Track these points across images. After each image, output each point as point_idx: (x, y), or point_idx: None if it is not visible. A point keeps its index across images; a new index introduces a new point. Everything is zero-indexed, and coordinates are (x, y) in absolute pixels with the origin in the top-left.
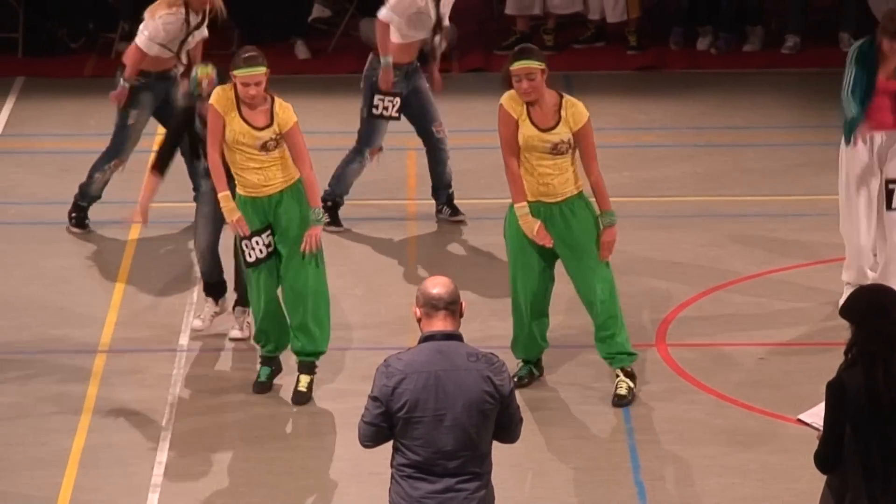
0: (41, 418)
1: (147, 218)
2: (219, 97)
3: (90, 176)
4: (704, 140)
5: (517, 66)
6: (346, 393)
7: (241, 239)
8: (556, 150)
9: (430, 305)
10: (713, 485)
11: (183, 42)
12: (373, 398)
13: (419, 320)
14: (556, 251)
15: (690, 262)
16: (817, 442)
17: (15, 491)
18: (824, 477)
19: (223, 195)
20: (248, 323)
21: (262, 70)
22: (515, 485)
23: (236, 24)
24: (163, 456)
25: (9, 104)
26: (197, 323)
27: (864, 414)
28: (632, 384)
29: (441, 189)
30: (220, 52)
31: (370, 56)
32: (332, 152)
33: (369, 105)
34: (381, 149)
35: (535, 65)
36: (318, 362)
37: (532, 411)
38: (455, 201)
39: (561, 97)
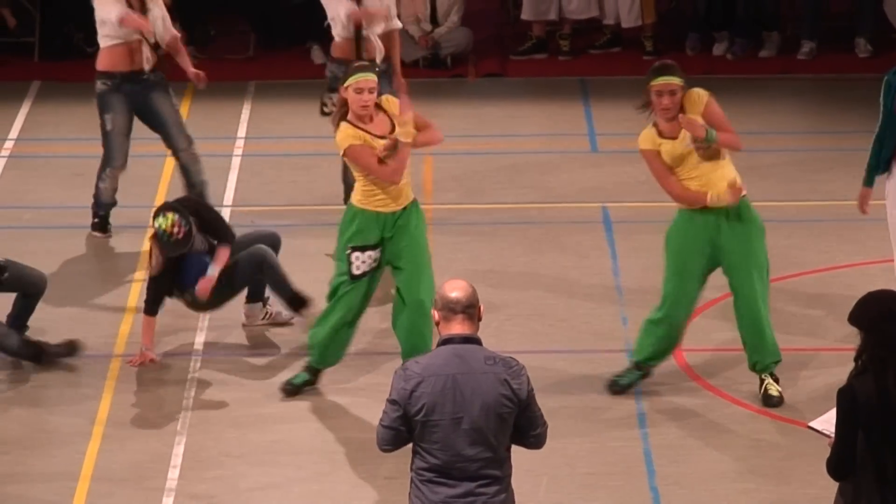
0: (56, 424)
1: (155, 357)
2: (350, 132)
3: (95, 186)
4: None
5: (658, 82)
6: (362, 399)
7: (353, 250)
8: (697, 143)
9: (448, 309)
10: (728, 490)
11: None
12: (391, 401)
13: (437, 323)
14: (717, 255)
15: None
16: (829, 449)
17: (31, 496)
18: (837, 483)
19: None
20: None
21: (374, 77)
22: (531, 490)
23: (252, 28)
24: (177, 461)
25: (25, 108)
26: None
27: (875, 420)
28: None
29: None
30: (236, 57)
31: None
32: None
33: (320, 104)
34: None
35: (676, 81)
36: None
37: (547, 417)
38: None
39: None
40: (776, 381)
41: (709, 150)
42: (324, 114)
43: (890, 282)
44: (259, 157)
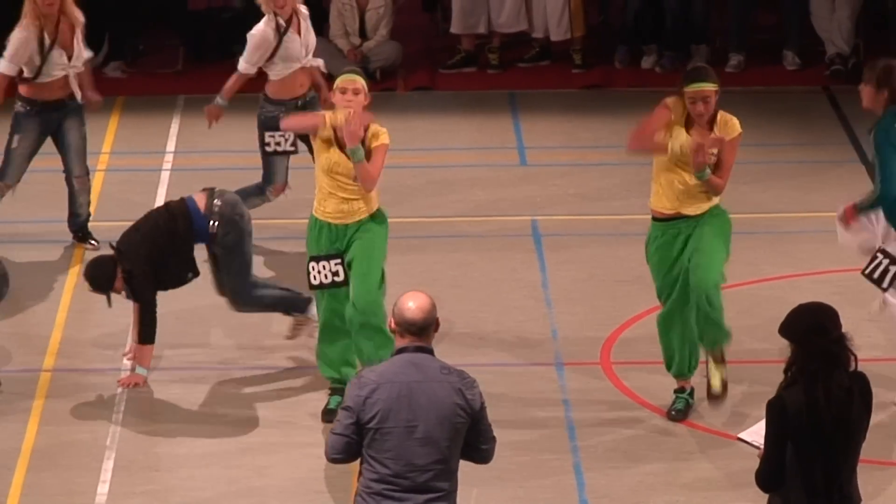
0: None
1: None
2: (332, 116)
3: None
4: (649, 158)
5: (693, 88)
6: (288, 411)
7: (310, 260)
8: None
9: (405, 328)
10: (658, 502)
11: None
12: (345, 408)
13: (393, 331)
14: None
15: (635, 280)
16: (758, 461)
17: None
18: (766, 495)
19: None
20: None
21: (361, 79)
22: (461, 502)
23: (182, 41)
24: (107, 476)
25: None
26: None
27: (805, 432)
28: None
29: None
30: (165, 71)
31: (261, 96)
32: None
33: (262, 143)
34: (285, 186)
35: (710, 86)
36: None
37: None
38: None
39: (716, 112)
40: (724, 362)
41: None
42: (266, 154)
43: (819, 293)
44: (188, 172)
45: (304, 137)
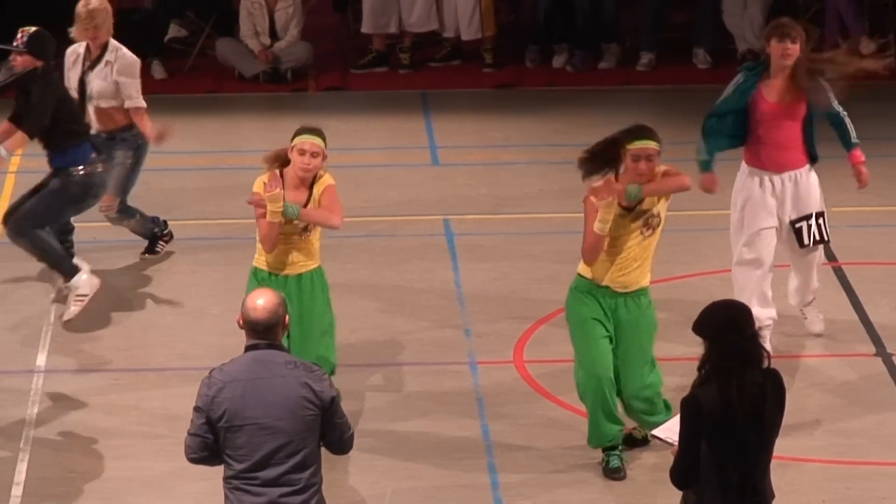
0: None
1: None
2: (260, 185)
3: None
4: (561, 157)
5: (638, 145)
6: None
7: None
8: (647, 225)
9: (251, 327)
10: (572, 500)
11: None
12: (196, 409)
13: (241, 326)
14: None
15: (547, 279)
16: (672, 458)
17: None
18: (680, 493)
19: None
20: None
21: (321, 141)
22: (374, 502)
23: None
24: (21, 478)
25: None
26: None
27: (719, 430)
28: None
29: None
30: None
31: None
32: (192, 172)
33: None
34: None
35: (655, 145)
36: None
37: (390, 428)
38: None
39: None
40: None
41: (648, 226)
42: None
43: (730, 291)
44: None
45: None
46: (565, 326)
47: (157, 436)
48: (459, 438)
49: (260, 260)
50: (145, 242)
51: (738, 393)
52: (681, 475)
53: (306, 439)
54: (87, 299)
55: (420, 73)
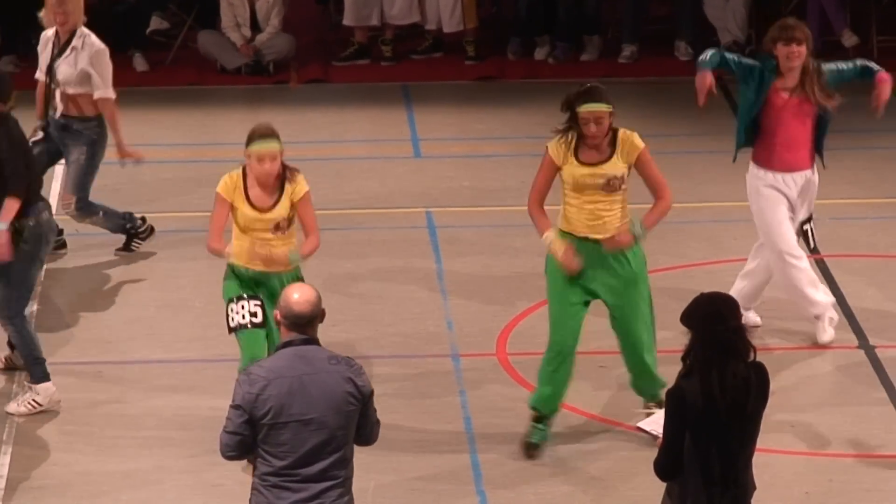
0: None
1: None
2: (226, 186)
3: None
4: (543, 149)
5: (586, 108)
6: (192, 404)
7: (228, 302)
8: (609, 187)
9: (293, 322)
10: (554, 493)
11: None
12: (235, 407)
13: (279, 324)
14: (599, 293)
15: (529, 272)
16: (657, 449)
17: None
18: (664, 484)
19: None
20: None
21: (278, 145)
22: (358, 495)
23: None
24: (4, 471)
25: None
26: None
27: (701, 421)
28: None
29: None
30: None
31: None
32: (175, 164)
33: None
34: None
35: (605, 108)
36: None
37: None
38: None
39: (615, 131)
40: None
41: (609, 187)
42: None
43: (713, 284)
44: None
45: None
46: (547, 319)
47: (141, 428)
48: (442, 431)
49: (240, 257)
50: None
51: (719, 384)
52: (664, 467)
53: (347, 434)
54: (39, 409)
55: (402, 66)
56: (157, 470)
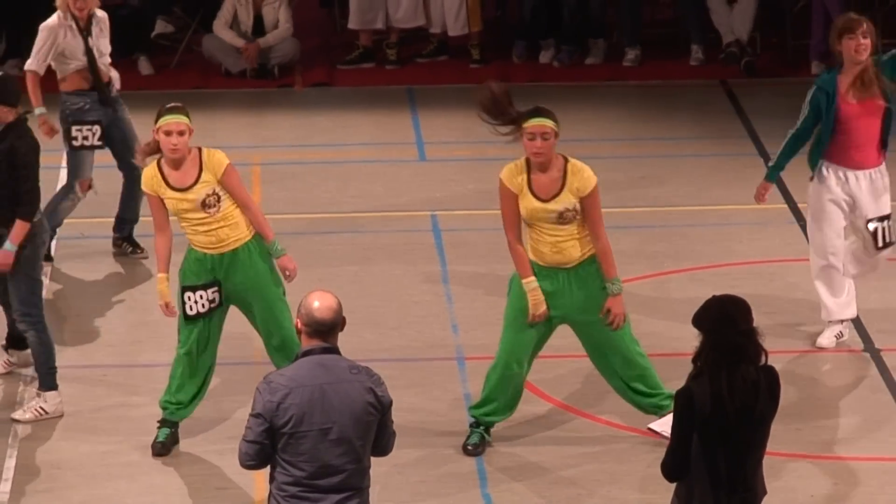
0: None
1: None
2: (147, 180)
3: None
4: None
5: (533, 123)
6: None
7: (184, 290)
8: (562, 219)
9: (314, 329)
10: (560, 496)
11: None
12: (255, 416)
13: (299, 332)
14: (567, 317)
15: None
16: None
17: None
18: (672, 486)
19: (160, 277)
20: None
21: (186, 119)
22: None
23: None
24: (9, 474)
25: None
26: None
27: (709, 422)
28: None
29: (127, 222)
30: None
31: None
32: None
33: (68, 138)
34: (91, 181)
35: (550, 124)
36: None
37: None
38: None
39: (566, 162)
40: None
41: (563, 219)
42: (73, 147)
43: (719, 287)
44: None
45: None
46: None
47: (145, 432)
48: (447, 434)
49: (194, 240)
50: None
51: (728, 386)
52: (672, 468)
53: (366, 444)
54: (44, 417)
55: (406, 69)
56: (162, 473)
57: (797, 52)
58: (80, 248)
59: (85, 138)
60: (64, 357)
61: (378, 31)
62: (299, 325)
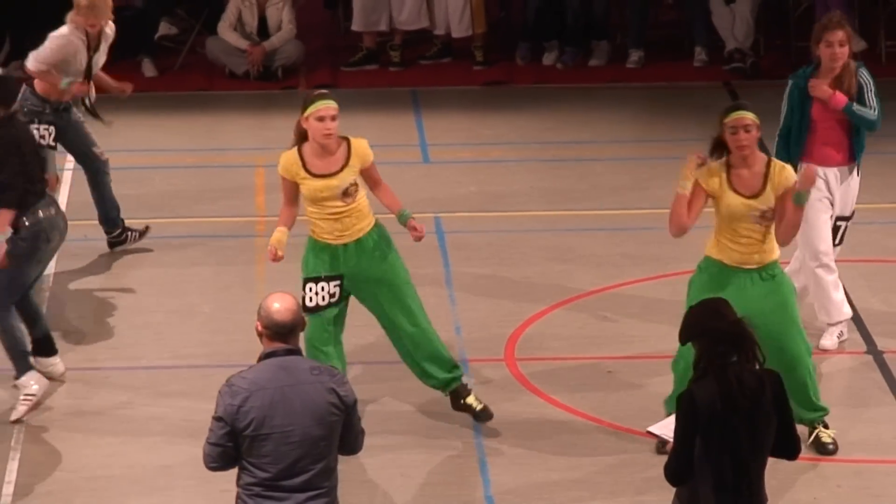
0: None
1: None
2: (287, 165)
3: None
4: (551, 155)
5: (733, 116)
6: (188, 414)
7: (307, 282)
8: (764, 218)
9: (274, 332)
10: (563, 498)
11: None
12: (217, 419)
13: (261, 336)
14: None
15: (538, 277)
16: (667, 454)
17: None
18: (673, 489)
19: (280, 229)
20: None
21: (335, 104)
22: (366, 501)
23: None
24: (12, 476)
25: None
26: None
27: (716, 424)
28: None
29: (111, 215)
30: None
31: (23, 88)
32: (183, 170)
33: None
34: (57, 178)
35: (751, 116)
36: None
37: (381, 427)
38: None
39: (769, 160)
40: (826, 427)
41: (766, 219)
42: (42, 146)
43: None
44: None
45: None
46: (557, 324)
47: (148, 434)
48: (450, 436)
49: (317, 231)
50: (140, 242)
51: (737, 381)
52: (675, 471)
53: (331, 444)
54: (34, 399)
55: (410, 71)
56: (165, 475)
57: (800, 54)
58: (83, 249)
59: (42, 137)
60: (66, 359)
61: (382, 32)
62: (259, 327)
